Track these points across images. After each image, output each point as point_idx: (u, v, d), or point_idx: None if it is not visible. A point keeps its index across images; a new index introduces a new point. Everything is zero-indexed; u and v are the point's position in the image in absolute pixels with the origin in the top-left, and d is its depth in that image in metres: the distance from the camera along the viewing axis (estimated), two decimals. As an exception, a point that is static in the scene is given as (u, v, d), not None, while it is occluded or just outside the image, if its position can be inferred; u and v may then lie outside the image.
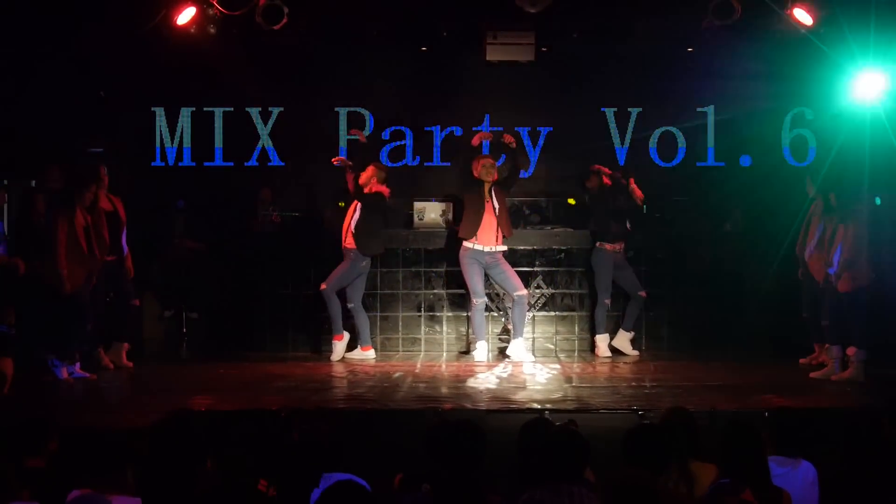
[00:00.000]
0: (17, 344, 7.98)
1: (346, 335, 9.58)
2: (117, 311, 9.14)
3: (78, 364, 8.40)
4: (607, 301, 9.74)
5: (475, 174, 9.40)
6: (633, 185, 9.78)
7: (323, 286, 9.52)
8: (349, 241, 9.49)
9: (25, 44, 10.14)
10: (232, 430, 4.60)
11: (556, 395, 7.61)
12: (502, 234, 9.36)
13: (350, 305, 9.61)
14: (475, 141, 9.51)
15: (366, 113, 11.43)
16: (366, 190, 9.47)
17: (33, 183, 10.00)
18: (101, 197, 8.87)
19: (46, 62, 10.32)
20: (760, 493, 4.23)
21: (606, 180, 9.77)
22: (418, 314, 10.19)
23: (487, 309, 9.80)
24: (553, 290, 10.19)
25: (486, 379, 8.43)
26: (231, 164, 11.39)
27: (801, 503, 4.58)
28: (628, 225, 9.75)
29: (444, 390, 7.85)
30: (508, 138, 9.47)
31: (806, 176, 9.29)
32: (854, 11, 9.42)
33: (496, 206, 9.33)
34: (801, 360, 9.04)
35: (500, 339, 10.04)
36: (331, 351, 9.70)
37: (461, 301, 10.11)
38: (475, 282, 9.38)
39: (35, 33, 10.04)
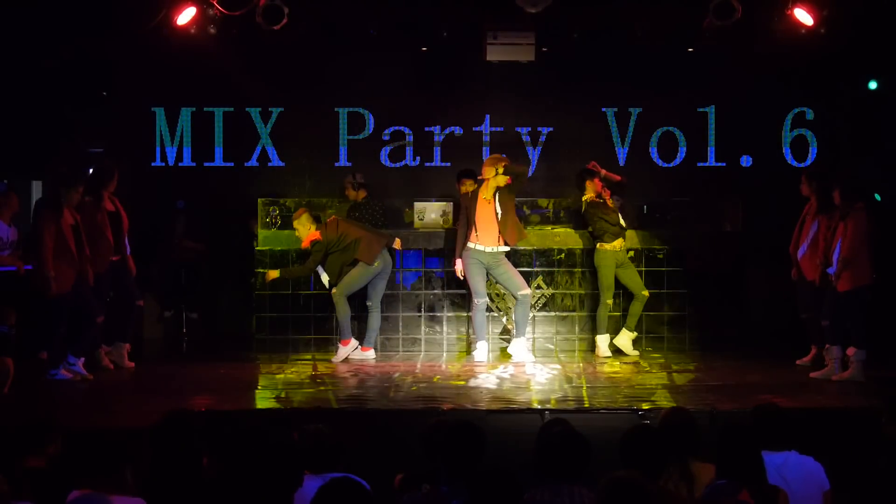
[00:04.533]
0: (17, 344, 7.98)
1: (354, 342, 9.55)
2: (120, 312, 9.12)
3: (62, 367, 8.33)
4: (610, 302, 9.73)
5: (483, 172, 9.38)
6: (606, 173, 9.77)
7: (333, 290, 9.52)
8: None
9: (26, 44, 10.16)
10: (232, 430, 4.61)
11: (556, 395, 7.62)
12: (504, 239, 9.32)
13: (368, 303, 9.64)
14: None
15: (366, 113, 11.44)
16: (306, 243, 9.49)
17: (33, 184, 10.02)
18: (105, 198, 8.88)
19: (47, 62, 10.34)
20: (756, 493, 4.23)
21: (600, 185, 9.74)
22: (418, 314, 10.19)
23: (488, 309, 9.80)
24: (553, 291, 10.19)
25: (486, 379, 8.43)
26: (231, 164, 11.40)
27: (804, 497, 4.58)
28: (622, 221, 9.75)
29: (444, 390, 7.85)
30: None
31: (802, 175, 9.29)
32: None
33: (498, 211, 9.30)
34: (798, 362, 9.05)
35: (500, 339, 10.04)
36: (332, 352, 9.71)
37: (461, 301, 10.11)
38: (476, 282, 9.37)
39: (35, 33, 10.06)
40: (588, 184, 9.78)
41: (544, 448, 4.27)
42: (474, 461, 4.35)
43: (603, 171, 9.80)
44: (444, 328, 10.19)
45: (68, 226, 8.24)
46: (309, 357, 9.78)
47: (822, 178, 8.92)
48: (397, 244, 9.71)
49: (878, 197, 8.84)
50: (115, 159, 9.61)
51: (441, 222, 10.19)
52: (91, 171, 9.12)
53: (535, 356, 9.60)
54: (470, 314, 9.78)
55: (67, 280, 8.20)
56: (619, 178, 9.85)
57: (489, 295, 9.78)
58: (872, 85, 10.94)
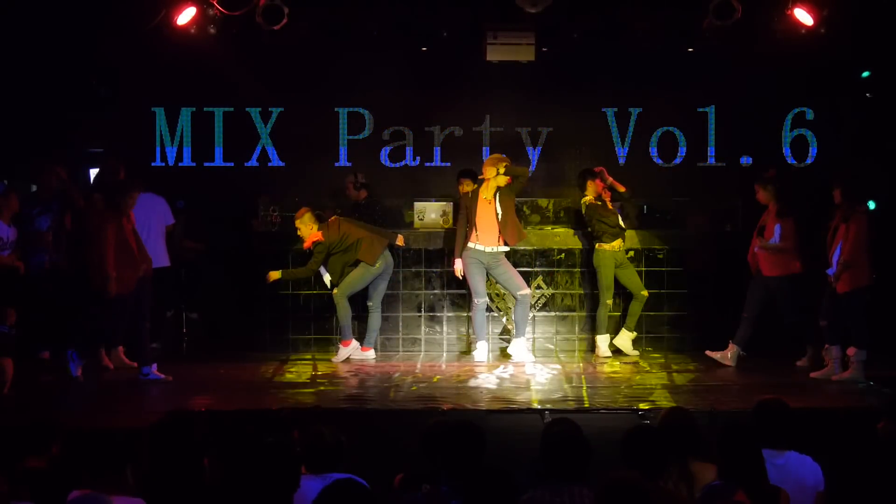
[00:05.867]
0: (17, 343, 7.98)
1: (355, 343, 9.56)
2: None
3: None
4: (609, 302, 9.74)
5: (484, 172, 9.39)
6: (612, 181, 9.82)
7: (335, 291, 9.52)
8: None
9: (26, 44, 10.15)
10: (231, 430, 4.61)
11: (556, 395, 7.62)
12: (504, 240, 9.33)
13: (369, 304, 9.64)
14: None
15: (366, 113, 11.44)
16: (308, 243, 9.48)
17: (34, 186, 10.02)
18: None
19: (47, 62, 10.34)
20: (756, 493, 4.23)
21: (601, 186, 9.75)
22: (418, 314, 10.19)
23: (488, 309, 9.80)
24: (553, 291, 10.19)
25: (486, 379, 8.43)
26: (231, 164, 11.40)
27: (800, 496, 4.58)
28: (622, 222, 9.76)
29: (444, 390, 7.85)
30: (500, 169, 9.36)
31: (755, 183, 9.31)
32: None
33: (499, 211, 9.31)
34: (798, 363, 9.07)
35: (500, 339, 10.04)
36: (333, 352, 9.71)
37: (461, 301, 10.11)
38: (476, 282, 9.37)
39: (35, 34, 10.05)
40: (589, 184, 9.79)
41: (546, 448, 4.27)
42: (474, 461, 4.35)
43: (610, 179, 9.82)
44: (444, 328, 10.19)
45: (130, 229, 8.33)
46: (309, 357, 9.79)
47: (777, 182, 9.01)
48: (400, 241, 9.72)
49: (872, 204, 8.92)
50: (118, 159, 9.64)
51: (441, 222, 10.20)
52: (97, 171, 9.18)
53: (535, 356, 9.60)
54: (470, 314, 9.78)
55: (130, 281, 8.28)
56: (623, 188, 9.87)
57: (489, 295, 9.78)
58: (865, 74, 10.94)
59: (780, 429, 4.81)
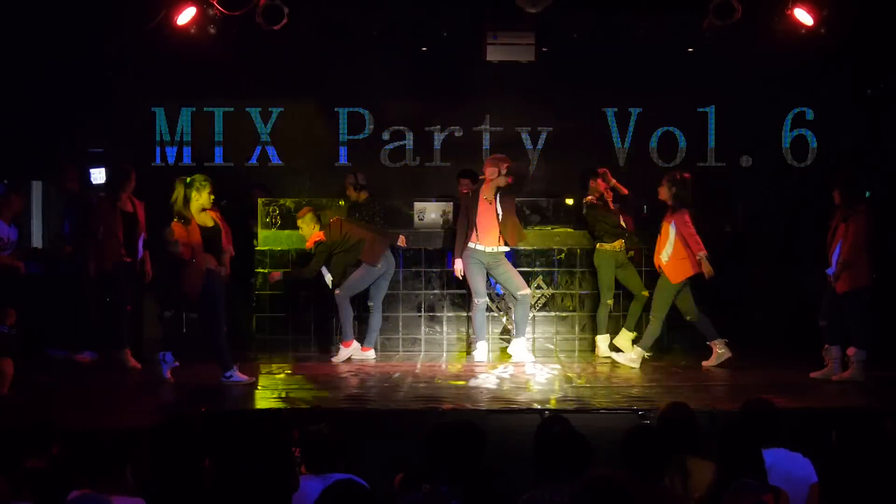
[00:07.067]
0: (17, 344, 7.98)
1: (356, 344, 9.56)
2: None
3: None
4: (610, 302, 9.74)
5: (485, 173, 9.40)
6: (615, 182, 9.83)
7: (337, 291, 9.53)
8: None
9: (26, 44, 10.16)
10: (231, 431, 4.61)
11: (556, 395, 7.62)
12: (504, 240, 9.33)
13: (370, 303, 9.65)
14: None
15: (366, 113, 11.44)
16: (310, 243, 9.49)
17: (32, 183, 10.04)
18: (124, 199, 8.94)
19: (47, 62, 10.35)
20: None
21: (604, 186, 9.76)
22: (418, 314, 10.19)
23: (488, 309, 9.80)
24: (553, 291, 10.19)
25: (486, 379, 8.43)
26: (231, 164, 11.40)
27: (793, 493, 4.59)
28: (623, 223, 9.75)
29: (444, 390, 7.85)
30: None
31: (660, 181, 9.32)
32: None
33: (499, 211, 9.31)
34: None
35: (500, 339, 10.04)
36: (332, 352, 9.71)
37: (461, 301, 10.12)
38: (476, 281, 9.37)
39: (35, 34, 10.06)
40: (592, 183, 9.79)
41: (543, 448, 4.27)
42: (474, 461, 4.35)
43: (613, 181, 9.83)
44: (444, 328, 10.20)
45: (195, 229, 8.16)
46: (309, 357, 9.79)
47: (678, 182, 9.00)
48: (402, 241, 9.73)
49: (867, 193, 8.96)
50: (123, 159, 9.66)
51: (441, 222, 10.20)
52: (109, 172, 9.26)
53: (535, 356, 9.60)
54: (470, 314, 9.78)
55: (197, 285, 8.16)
56: (626, 191, 9.88)
57: (489, 295, 9.78)
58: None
59: (767, 427, 4.83)
